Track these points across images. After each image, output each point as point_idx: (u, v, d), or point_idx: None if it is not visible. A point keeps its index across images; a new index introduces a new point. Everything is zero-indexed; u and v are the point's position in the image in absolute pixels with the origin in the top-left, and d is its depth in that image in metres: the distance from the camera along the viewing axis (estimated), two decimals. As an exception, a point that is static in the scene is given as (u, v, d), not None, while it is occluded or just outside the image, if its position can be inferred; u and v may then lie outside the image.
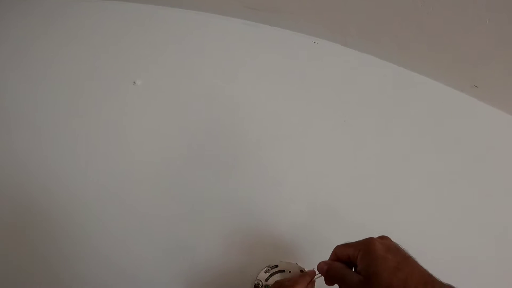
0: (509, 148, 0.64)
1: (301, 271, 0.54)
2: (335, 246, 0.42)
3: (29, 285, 0.54)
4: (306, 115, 0.61)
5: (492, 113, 0.66)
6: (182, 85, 0.62)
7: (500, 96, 0.67)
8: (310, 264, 0.55)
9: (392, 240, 0.39)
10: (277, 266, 0.54)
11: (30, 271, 0.53)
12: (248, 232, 0.56)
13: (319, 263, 0.42)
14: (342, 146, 0.59)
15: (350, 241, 0.41)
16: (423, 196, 0.59)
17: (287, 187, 0.58)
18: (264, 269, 0.54)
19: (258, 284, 0.53)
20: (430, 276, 0.33)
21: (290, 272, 0.54)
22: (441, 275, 0.32)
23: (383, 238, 0.39)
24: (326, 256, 0.54)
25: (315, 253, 0.56)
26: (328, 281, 0.40)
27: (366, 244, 0.36)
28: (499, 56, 0.60)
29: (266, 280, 0.53)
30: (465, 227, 0.58)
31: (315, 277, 0.46)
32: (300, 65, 0.63)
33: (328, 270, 0.40)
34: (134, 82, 0.63)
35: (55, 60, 0.63)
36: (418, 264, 0.34)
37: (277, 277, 0.53)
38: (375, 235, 0.54)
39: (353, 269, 0.38)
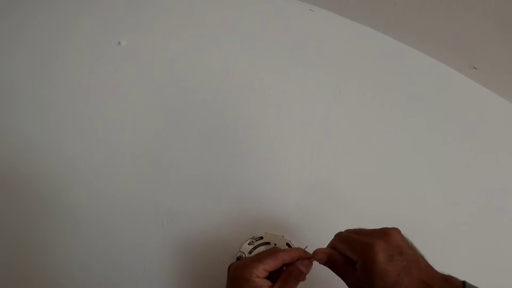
0: (505, 135, 0.62)
1: (288, 244, 0.50)
2: (337, 233, 0.38)
3: None
4: (300, 84, 0.58)
5: (489, 97, 0.64)
6: (170, 49, 0.59)
7: (500, 80, 0.66)
8: (298, 238, 0.51)
9: (402, 233, 0.35)
10: (262, 238, 0.50)
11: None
12: (231, 201, 0.52)
13: (317, 250, 0.38)
14: (335, 117, 0.56)
15: (351, 227, 0.38)
16: (417, 172, 0.56)
17: (276, 158, 0.55)
18: (248, 241, 0.50)
19: (241, 257, 0.49)
20: (427, 285, 0.30)
21: (276, 244, 0.50)
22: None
23: (392, 232, 0.34)
24: (314, 229, 0.52)
25: (304, 226, 0.53)
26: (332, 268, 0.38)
27: (367, 253, 0.32)
28: (501, 38, 0.58)
29: (250, 252, 0.50)
30: (464, 213, 0.56)
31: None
32: (296, 33, 0.60)
33: (327, 262, 0.37)
34: (119, 43, 0.60)
35: (30, 19, 0.59)
36: (420, 268, 0.32)
37: (261, 250, 0.50)
38: (369, 210, 0.53)
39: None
